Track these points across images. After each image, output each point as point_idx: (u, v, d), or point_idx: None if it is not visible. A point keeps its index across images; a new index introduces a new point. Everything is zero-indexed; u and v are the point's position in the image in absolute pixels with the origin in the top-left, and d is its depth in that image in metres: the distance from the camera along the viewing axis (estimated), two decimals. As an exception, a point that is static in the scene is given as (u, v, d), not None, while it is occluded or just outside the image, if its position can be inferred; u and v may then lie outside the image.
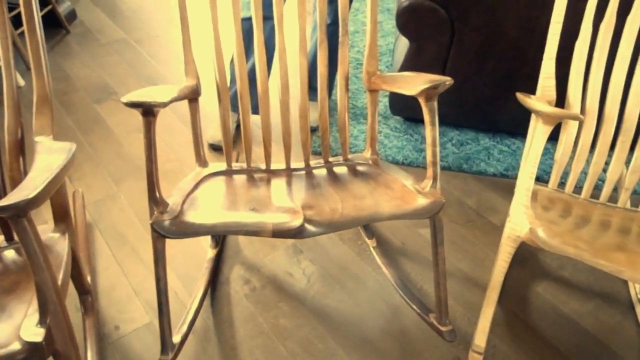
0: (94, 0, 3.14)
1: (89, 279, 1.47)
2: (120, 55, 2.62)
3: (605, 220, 1.28)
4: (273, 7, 1.33)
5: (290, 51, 1.38)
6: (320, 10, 1.35)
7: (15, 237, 1.18)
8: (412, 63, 1.89)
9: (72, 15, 2.93)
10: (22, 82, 2.34)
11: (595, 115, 1.33)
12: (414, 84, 1.16)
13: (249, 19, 1.38)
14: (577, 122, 1.32)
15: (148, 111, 1.02)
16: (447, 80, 1.09)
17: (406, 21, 1.77)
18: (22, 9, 1.13)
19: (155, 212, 1.09)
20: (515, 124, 2.06)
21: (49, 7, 2.71)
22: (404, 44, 1.97)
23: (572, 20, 1.38)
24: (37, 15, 1.12)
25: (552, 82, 1.32)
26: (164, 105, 1.06)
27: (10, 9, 2.35)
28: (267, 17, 1.44)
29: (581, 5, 1.32)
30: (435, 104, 1.14)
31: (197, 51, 1.36)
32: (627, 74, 1.31)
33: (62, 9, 2.85)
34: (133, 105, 1.00)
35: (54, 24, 2.80)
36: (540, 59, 1.34)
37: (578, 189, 1.40)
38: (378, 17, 3.08)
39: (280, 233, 1.06)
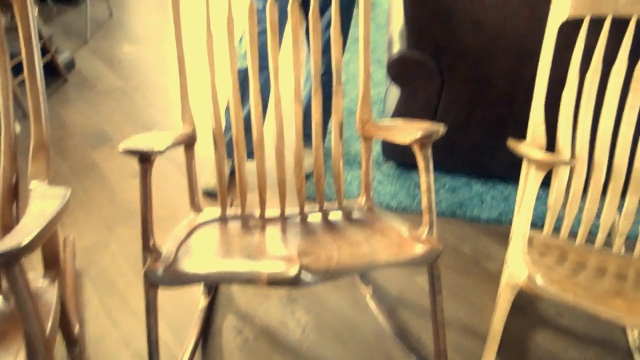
0: (92, 50, 3.21)
1: (77, 328, 1.42)
2: (116, 103, 2.66)
3: (602, 266, 1.28)
4: (269, 57, 1.37)
5: (284, 100, 1.40)
6: (315, 61, 1.39)
7: (3, 285, 1.15)
8: (404, 110, 1.94)
9: (70, 65, 2.98)
10: (18, 129, 2.36)
11: (585, 161, 1.35)
12: (408, 132, 1.18)
13: (245, 69, 1.41)
14: (568, 168, 1.35)
15: (145, 158, 1.03)
16: (440, 129, 1.11)
17: (397, 71, 1.82)
18: (24, 58, 1.15)
19: (149, 260, 1.07)
20: (507, 170, 2.09)
21: (48, 56, 2.77)
22: (395, 91, 2.02)
23: (559, 68, 1.42)
24: (39, 64, 1.14)
25: (542, 129, 1.35)
26: (161, 152, 1.06)
27: (11, 58, 2.39)
28: (263, 67, 1.48)
29: (567, 54, 1.37)
30: (430, 151, 1.16)
31: (193, 98, 1.39)
32: (614, 121, 1.34)
33: (61, 58, 2.90)
34: (130, 152, 1.01)
35: (52, 73, 2.85)
36: (529, 107, 1.38)
37: (574, 234, 1.41)
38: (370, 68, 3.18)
39: (275, 282, 1.05)
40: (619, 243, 1.36)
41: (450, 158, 2.10)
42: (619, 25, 1.36)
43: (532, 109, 1.36)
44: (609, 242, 1.44)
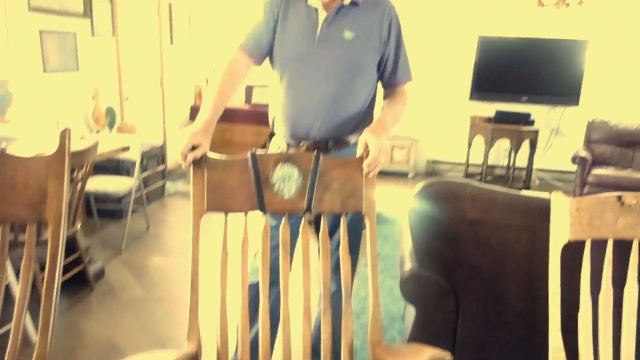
0: (124, 261, 3.37)
1: None
2: (135, 315, 2.67)
3: None
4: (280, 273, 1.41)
5: (296, 317, 1.39)
6: (325, 281, 1.42)
7: None
8: (420, 332, 1.86)
9: (100, 274, 3.11)
10: (36, 339, 2.36)
11: (617, 392, 1.23)
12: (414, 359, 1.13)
13: (257, 284, 1.44)
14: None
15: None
16: (447, 357, 1.06)
17: (409, 291, 1.82)
18: (46, 273, 1.22)
19: None
20: (541, 400, 1.89)
21: (81, 266, 2.91)
22: (412, 311, 1.98)
23: (572, 291, 1.40)
24: (58, 282, 1.21)
25: (562, 354, 1.27)
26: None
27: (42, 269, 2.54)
28: (274, 282, 1.51)
29: (578, 273, 1.35)
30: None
31: (207, 313, 1.39)
32: (636, 344, 1.26)
33: (93, 268, 3.05)
34: (123, 374, 0.98)
35: (82, 282, 2.95)
36: (548, 329, 1.32)
37: None
38: (390, 283, 3.18)
39: None
40: None
41: (478, 384, 1.93)
42: (624, 244, 1.36)
43: (550, 333, 1.31)
44: None
